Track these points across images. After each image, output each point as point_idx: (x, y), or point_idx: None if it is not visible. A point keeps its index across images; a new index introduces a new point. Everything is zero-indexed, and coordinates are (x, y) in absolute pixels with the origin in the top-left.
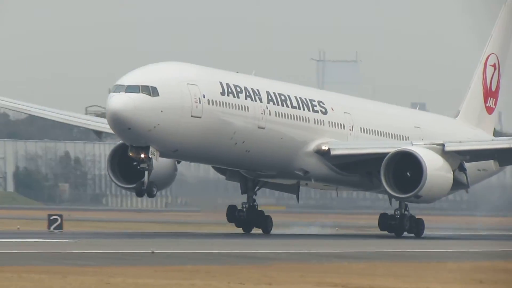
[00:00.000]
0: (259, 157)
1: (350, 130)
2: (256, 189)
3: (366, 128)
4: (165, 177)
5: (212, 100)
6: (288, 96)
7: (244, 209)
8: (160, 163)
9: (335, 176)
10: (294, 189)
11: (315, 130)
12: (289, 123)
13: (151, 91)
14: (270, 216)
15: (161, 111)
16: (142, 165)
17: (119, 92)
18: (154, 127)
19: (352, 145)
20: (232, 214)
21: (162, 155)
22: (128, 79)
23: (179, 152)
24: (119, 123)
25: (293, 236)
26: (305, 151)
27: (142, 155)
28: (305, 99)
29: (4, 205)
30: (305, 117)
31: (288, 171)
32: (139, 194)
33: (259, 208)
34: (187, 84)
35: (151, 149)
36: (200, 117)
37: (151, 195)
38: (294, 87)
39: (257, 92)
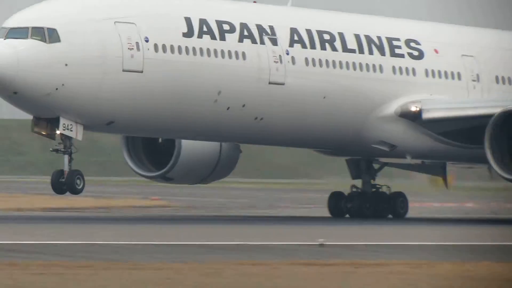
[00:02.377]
0: (279, 127)
1: (474, 80)
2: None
3: (506, 77)
4: (211, 159)
5: (164, 46)
6: (341, 34)
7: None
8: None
9: (444, 149)
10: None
11: (393, 84)
12: (334, 73)
13: (47, 34)
14: (403, 196)
15: (66, 65)
16: (56, 148)
17: None
18: (56, 89)
19: (457, 103)
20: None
21: (91, 128)
22: (14, 20)
23: (117, 124)
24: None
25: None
26: (379, 116)
27: (47, 132)
28: (378, 37)
29: None
30: (370, 65)
31: (356, 146)
32: (57, 190)
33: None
34: (116, 22)
35: (62, 121)
36: (140, 71)
37: (74, 190)
38: (356, 19)
39: (268, 30)
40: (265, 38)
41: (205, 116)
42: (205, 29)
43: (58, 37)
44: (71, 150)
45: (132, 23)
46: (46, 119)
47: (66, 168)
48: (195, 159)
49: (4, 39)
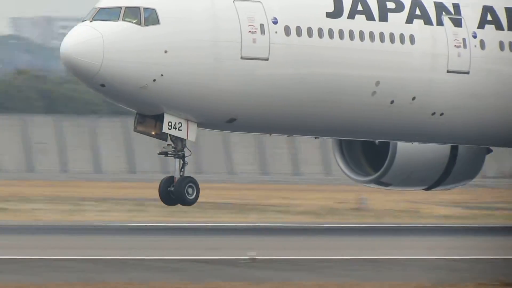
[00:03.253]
0: (461, 123)
1: None
2: None
3: None
4: (439, 162)
5: (298, 28)
6: None
7: None
8: None
9: None
10: None
11: None
12: None
13: (143, 15)
14: None
15: (165, 51)
16: (165, 150)
17: (84, 21)
18: (154, 80)
19: None
20: None
21: (208, 126)
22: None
23: (240, 122)
24: (81, 75)
25: None
26: None
27: (155, 131)
28: None
29: None
30: None
31: None
32: (166, 200)
33: None
34: (235, 0)
35: (168, 119)
36: (265, 59)
37: (184, 200)
38: None
39: (450, 8)
40: (445, 18)
41: (360, 112)
42: (359, 7)
43: (157, 18)
44: (183, 153)
45: (257, 0)
46: (153, 116)
47: (176, 175)
48: (415, 162)
49: (91, 21)
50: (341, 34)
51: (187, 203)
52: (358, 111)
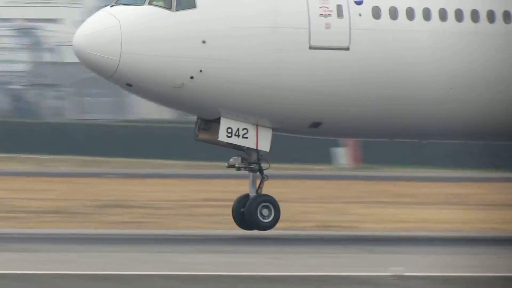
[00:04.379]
0: None
1: None
2: None
3: None
4: None
5: (394, 10)
6: None
7: None
8: None
9: None
10: None
11: None
12: None
13: None
14: None
15: (203, 42)
16: (233, 162)
17: (105, 7)
18: (192, 77)
19: None
20: None
21: (289, 132)
22: None
23: (326, 126)
24: (99, 73)
25: None
26: None
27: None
28: None
29: None
30: None
31: None
32: (239, 222)
33: None
34: None
35: (225, 124)
36: (346, 48)
37: (257, 224)
38: None
39: None
40: None
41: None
42: None
43: (193, 0)
44: (260, 166)
45: None
46: (207, 121)
47: (251, 193)
48: None
49: (111, 6)
50: (457, 15)
51: (261, 227)
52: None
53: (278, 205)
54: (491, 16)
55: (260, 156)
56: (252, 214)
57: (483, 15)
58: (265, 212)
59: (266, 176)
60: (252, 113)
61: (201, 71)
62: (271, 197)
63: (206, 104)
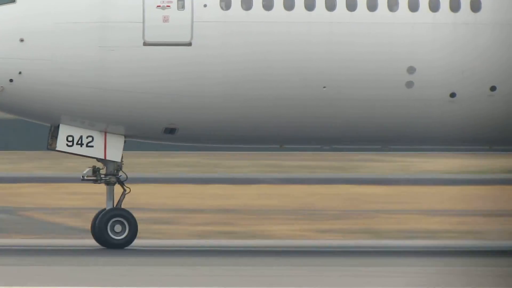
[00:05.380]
0: None
1: None
2: None
3: None
4: None
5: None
6: None
7: None
8: None
9: None
10: None
11: None
12: None
13: None
14: None
15: (21, 40)
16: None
17: None
18: (11, 80)
19: None
20: None
21: (144, 138)
22: None
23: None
24: None
25: None
26: None
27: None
28: None
29: None
30: None
31: None
32: (96, 238)
33: None
34: None
35: (63, 131)
36: (187, 43)
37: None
38: None
39: None
40: None
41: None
42: None
43: None
44: (117, 178)
45: None
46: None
47: (108, 207)
48: None
49: None
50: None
51: (112, 245)
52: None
53: (133, 221)
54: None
55: (117, 166)
56: (101, 230)
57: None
58: (118, 228)
59: (128, 188)
60: (87, 118)
61: (20, 73)
62: (126, 211)
63: (32, 109)
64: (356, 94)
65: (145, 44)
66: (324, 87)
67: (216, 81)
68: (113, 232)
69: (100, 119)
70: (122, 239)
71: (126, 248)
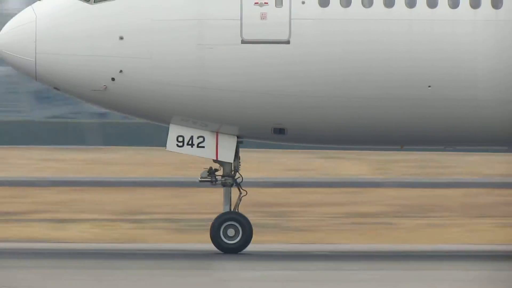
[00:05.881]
0: None
1: None
2: None
3: None
4: None
5: None
6: None
7: None
8: None
9: None
10: None
11: None
12: None
13: None
14: None
15: (120, 38)
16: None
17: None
18: (113, 79)
19: None
20: None
21: (255, 137)
22: None
23: (292, 133)
24: (24, 75)
25: None
26: None
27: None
28: None
29: None
30: None
31: None
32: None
33: None
34: None
35: (173, 130)
36: (286, 41)
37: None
38: None
39: None
40: None
41: None
42: None
43: None
44: (233, 180)
45: None
46: None
47: (224, 210)
48: None
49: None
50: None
51: (226, 250)
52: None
53: (247, 225)
54: None
55: (233, 168)
56: (214, 233)
57: None
58: (231, 233)
59: (245, 191)
60: (191, 117)
61: (121, 71)
62: (240, 215)
63: (137, 108)
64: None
65: (243, 42)
66: (429, 86)
67: (317, 80)
68: (226, 237)
69: (203, 118)
70: (235, 243)
71: (240, 253)
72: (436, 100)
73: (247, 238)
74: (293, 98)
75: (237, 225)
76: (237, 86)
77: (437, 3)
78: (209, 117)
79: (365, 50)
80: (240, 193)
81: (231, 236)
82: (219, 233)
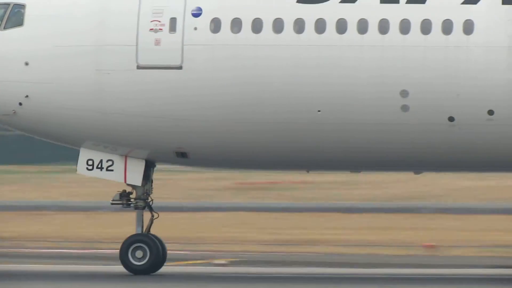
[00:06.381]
0: None
1: None
2: None
3: None
4: None
5: (237, 21)
6: None
7: None
8: None
9: None
10: None
11: None
12: None
13: (8, 14)
14: None
15: (26, 63)
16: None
17: None
18: (20, 104)
19: None
20: None
21: (158, 159)
22: None
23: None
24: None
25: None
26: None
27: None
28: None
29: None
30: None
31: None
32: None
33: None
34: None
35: (83, 154)
36: (178, 67)
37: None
38: None
39: None
40: None
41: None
42: None
43: (22, 18)
44: (145, 202)
45: None
46: None
47: (136, 231)
48: None
49: None
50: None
51: (134, 271)
52: None
53: (156, 247)
54: None
55: (146, 190)
56: (122, 255)
57: None
58: (139, 254)
59: (156, 213)
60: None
61: (27, 96)
62: (150, 237)
63: (46, 132)
64: (350, 118)
65: (138, 67)
66: (319, 111)
67: (209, 104)
68: (134, 258)
69: (106, 142)
70: (142, 265)
71: (152, 274)
72: (327, 124)
73: (155, 259)
74: (189, 122)
75: (145, 247)
76: (135, 110)
77: (325, 29)
78: (112, 142)
79: (254, 75)
80: (152, 216)
81: (139, 258)
82: (127, 255)
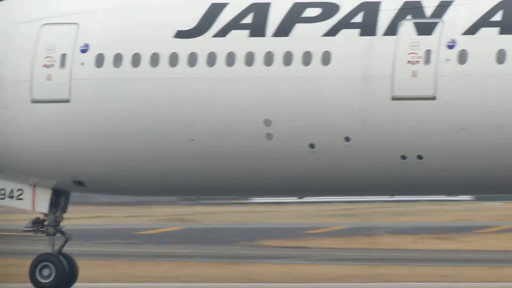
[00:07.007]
0: None
1: None
2: None
3: None
4: None
5: (119, 56)
6: None
7: None
8: None
9: None
10: None
11: None
12: None
13: None
14: None
15: None
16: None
17: None
18: None
19: None
20: None
21: (67, 188)
22: None
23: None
24: None
25: None
26: None
27: None
28: None
29: None
30: None
31: None
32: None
33: None
34: (22, 23)
35: None
36: (66, 100)
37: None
38: None
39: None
40: (403, 24)
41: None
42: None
43: None
44: (52, 230)
45: (73, 22)
46: None
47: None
48: None
49: None
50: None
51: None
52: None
53: (61, 266)
54: None
55: (57, 217)
56: (31, 273)
57: None
58: (45, 272)
59: (70, 236)
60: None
61: None
62: (55, 257)
63: None
64: (220, 146)
65: (33, 101)
66: (192, 140)
67: (95, 136)
68: (42, 276)
69: (13, 173)
70: (48, 282)
71: None
72: (199, 153)
73: (61, 278)
74: (79, 153)
75: (51, 265)
76: (33, 142)
77: (196, 62)
78: (18, 173)
79: (134, 107)
80: (66, 239)
81: (46, 276)
82: (35, 273)
